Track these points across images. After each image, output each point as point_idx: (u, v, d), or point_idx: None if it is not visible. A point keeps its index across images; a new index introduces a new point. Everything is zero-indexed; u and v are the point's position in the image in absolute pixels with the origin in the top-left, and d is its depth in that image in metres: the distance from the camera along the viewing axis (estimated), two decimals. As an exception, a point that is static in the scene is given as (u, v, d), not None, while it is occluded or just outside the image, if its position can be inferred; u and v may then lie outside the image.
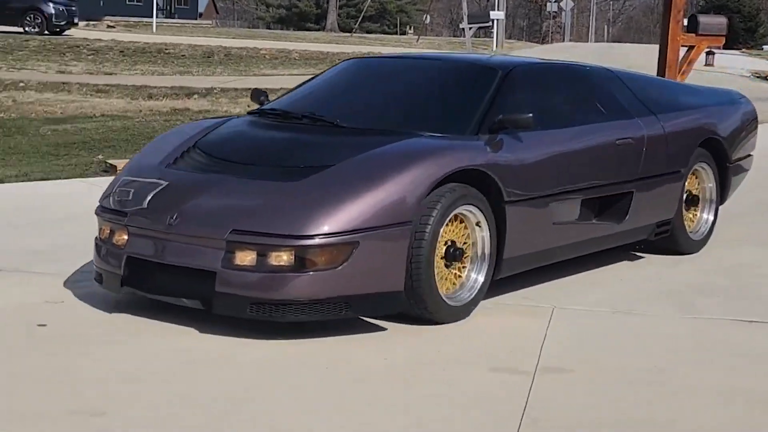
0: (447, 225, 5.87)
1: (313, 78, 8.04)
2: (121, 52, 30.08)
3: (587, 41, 75.14)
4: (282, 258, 5.38)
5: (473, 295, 6.12)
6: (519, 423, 4.67)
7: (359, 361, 5.41)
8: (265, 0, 75.20)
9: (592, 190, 7.04)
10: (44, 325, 5.67)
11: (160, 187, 6.02)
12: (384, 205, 5.52)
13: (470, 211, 6.00)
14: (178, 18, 57.29)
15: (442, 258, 5.91)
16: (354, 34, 51.86)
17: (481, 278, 6.16)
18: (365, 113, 6.94)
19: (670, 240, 7.87)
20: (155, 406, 4.62)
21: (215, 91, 21.45)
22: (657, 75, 14.20)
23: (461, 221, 6.03)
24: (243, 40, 37.13)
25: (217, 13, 76.85)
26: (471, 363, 5.50)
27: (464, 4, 35.55)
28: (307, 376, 5.13)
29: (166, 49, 31.01)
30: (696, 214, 8.21)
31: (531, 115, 6.30)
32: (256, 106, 7.44)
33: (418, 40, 45.63)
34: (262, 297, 5.42)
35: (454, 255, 5.96)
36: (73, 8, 36.77)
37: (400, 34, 61.47)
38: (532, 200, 6.43)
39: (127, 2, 53.33)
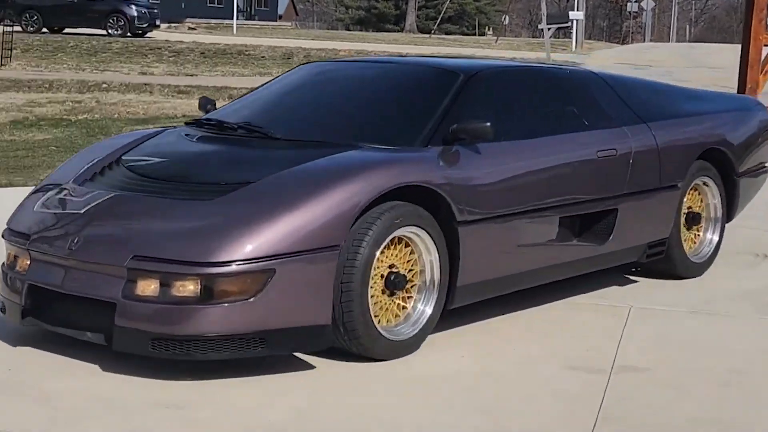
0: (387, 249, 5.16)
1: (265, 83, 7.23)
2: (201, 53, 30.41)
3: (668, 41, 74.31)
4: (187, 288, 4.68)
5: (418, 329, 5.32)
6: (595, 420, 4.68)
7: (436, 360, 5.39)
8: (344, 2, 75.43)
9: (567, 207, 6.17)
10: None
11: (67, 207, 5.44)
12: (305, 227, 4.80)
13: (415, 234, 5.25)
14: (258, 20, 57.70)
15: (381, 287, 5.17)
16: (433, 36, 51.77)
17: (428, 310, 5.36)
18: (307, 123, 6.21)
19: (666, 262, 6.91)
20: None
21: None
22: (739, 75, 14.03)
23: (406, 245, 5.29)
24: (322, 42, 37.33)
25: (297, 14, 77.27)
26: (547, 361, 5.51)
27: (543, 5, 35.37)
28: (382, 375, 5.13)
29: (246, 51, 31.28)
30: (699, 234, 7.20)
31: (489, 123, 5.49)
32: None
33: (497, 41, 45.48)
34: (165, 332, 4.72)
35: (395, 283, 5.19)
36: (155, 11, 37.25)
37: (479, 35, 61.21)
38: (491, 220, 5.62)
39: (208, 4, 53.82)
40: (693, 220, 7.04)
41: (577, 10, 41.37)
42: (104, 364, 4.96)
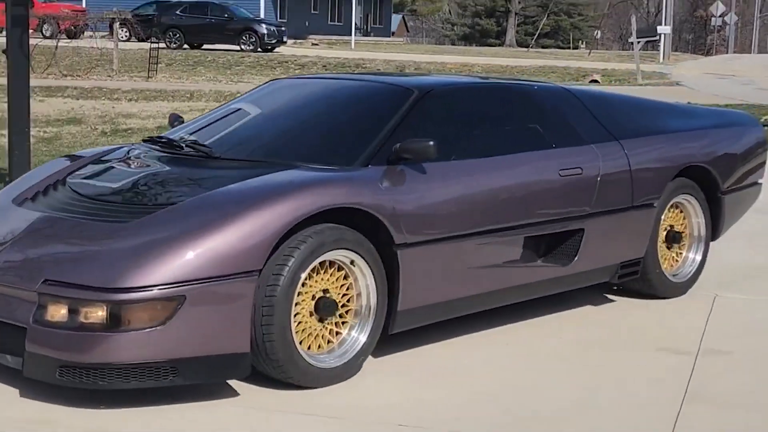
0: (318, 273, 4.52)
1: (233, 100, 6.66)
2: (323, 66, 30.62)
3: (750, 53, 72.71)
4: (93, 314, 4.08)
5: (349, 357, 4.63)
6: (682, 399, 4.63)
7: (532, 342, 5.41)
8: (451, 19, 75.64)
9: (526, 228, 5.38)
10: None
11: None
12: (217, 252, 4.17)
13: (348, 258, 4.58)
14: (373, 36, 57.91)
15: (310, 312, 4.54)
16: (530, 49, 51.53)
17: (362, 338, 4.68)
18: (253, 142, 5.53)
19: (643, 282, 6.09)
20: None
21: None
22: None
23: (340, 269, 4.62)
24: (431, 56, 37.33)
25: (408, 31, 77.38)
26: (637, 344, 5.49)
27: (633, 21, 34.90)
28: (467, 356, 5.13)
29: (363, 64, 31.41)
30: (681, 253, 6.34)
31: (432, 142, 4.76)
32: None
33: (589, 53, 45.05)
34: (72, 360, 4.14)
35: (325, 308, 4.54)
36: (283, 29, 37.72)
37: (573, 49, 60.65)
38: (437, 242, 4.90)
39: (329, 22, 54.16)
40: (674, 238, 6.23)
41: (665, 24, 40.75)
42: (26, 389, 4.37)
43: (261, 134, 5.64)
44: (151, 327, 4.05)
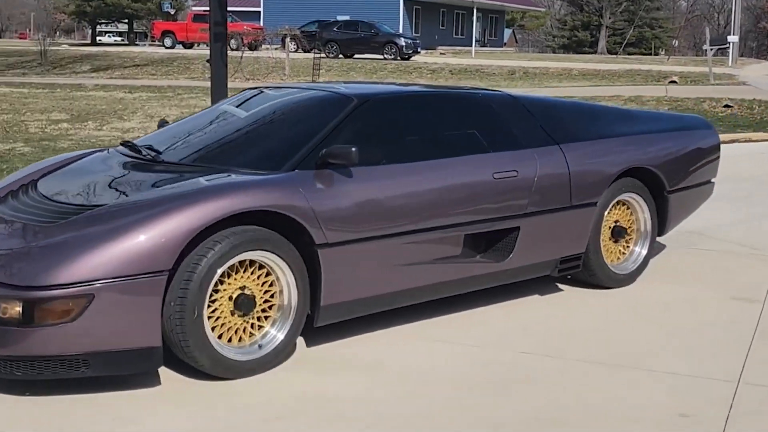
0: (238, 272, 4.03)
1: (210, 107, 6.08)
2: (450, 71, 30.57)
3: (805, 58, 69.59)
4: (11, 310, 3.64)
5: (265, 352, 4.12)
6: (752, 337, 4.61)
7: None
8: (551, 32, 74.64)
9: (457, 227, 4.77)
10: None
11: None
12: (126, 252, 3.69)
13: (267, 258, 4.06)
14: (489, 46, 57.41)
15: (230, 308, 4.03)
16: (618, 56, 50.31)
17: (280, 335, 4.16)
18: (198, 148, 4.91)
19: (587, 274, 5.47)
20: None
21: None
22: None
23: (261, 267, 4.11)
24: (536, 62, 36.83)
25: (516, 42, 76.45)
26: (711, 293, 5.47)
27: (707, 31, 33.87)
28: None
29: (481, 69, 31.24)
30: (628, 247, 5.72)
31: (354, 148, 4.23)
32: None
33: (668, 59, 43.68)
34: None
35: (243, 305, 4.04)
36: (417, 41, 37.71)
37: (654, 55, 59.06)
38: (361, 242, 4.35)
39: (454, 36, 53.93)
40: (620, 233, 5.60)
41: (733, 34, 39.39)
42: None
43: (208, 141, 5.02)
44: (62, 322, 3.62)
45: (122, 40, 64.55)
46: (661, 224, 5.84)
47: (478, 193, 4.83)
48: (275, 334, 4.15)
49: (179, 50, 40.05)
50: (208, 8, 12.69)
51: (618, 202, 5.55)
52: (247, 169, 4.36)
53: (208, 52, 13.13)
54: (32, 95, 20.74)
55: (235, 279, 4.02)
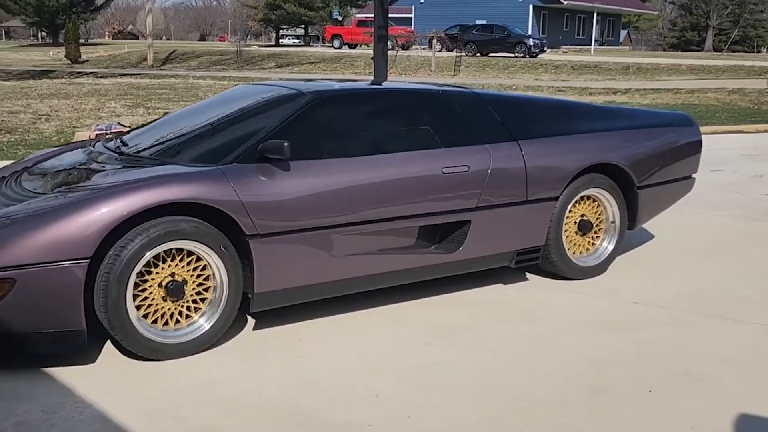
0: (171, 261, 3.58)
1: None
2: (572, 67, 29.82)
3: None
4: None
5: (196, 336, 3.66)
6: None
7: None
8: (663, 33, 71.28)
9: (402, 220, 4.16)
10: None
11: None
12: (48, 239, 3.27)
13: (198, 248, 3.60)
14: (607, 45, 55.44)
15: (163, 294, 3.60)
16: (723, 53, 47.66)
17: (206, 325, 3.69)
18: (161, 142, 4.29)
19: (550, 266, 4.82)
20: None
21: (631, 90, 20.84)
22: None
23: (197, 258, 3.64)
24: (648, 59, 35.37)
25: (631, 41, 73.34)
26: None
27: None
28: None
29: (599, 65, 30.32)
30: (594, 242, 5.00)
31: (286, 143, 3.71)
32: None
33: (770, 56, 41.10)
34: None
35: (174, 291, 3.59)
36: (544, 41, 36.89)
37: (756, 52, 55.66)
38: (294, 233, 3.80)
39: (576, 36, 52.35)
40: (586, 227, 4.89)
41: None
42: None
43: (171, 135, 4.35)
44: None
45: (300, 42, 65.96)
46: (631, 219, 5.11)
47: (424, 186, 4.20)
48: (202, 323, 3.69)
49: (345, 50, 40.67)
50: (370, 15, 12.87)
51: (584, 197, 4.88)
52: (193, 162, 3.85)
53: (369, 52, 13.34)
54: (231, 86, 21.62)
55: (166, 267, 3.59)
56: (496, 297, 4.58)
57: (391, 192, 4.10)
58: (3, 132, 11.83)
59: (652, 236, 6.06)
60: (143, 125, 4.87)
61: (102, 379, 3.39)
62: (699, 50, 58.46)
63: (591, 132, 4.93)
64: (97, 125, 8.12)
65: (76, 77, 27.52)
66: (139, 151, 4.20)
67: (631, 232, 5.99)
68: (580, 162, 4.73)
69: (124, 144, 4.41)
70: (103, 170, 3.95)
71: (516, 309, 4.38)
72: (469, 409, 3.17)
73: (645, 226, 6.19)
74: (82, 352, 3.49)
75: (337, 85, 4.61)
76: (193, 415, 3.09)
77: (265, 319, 4.09)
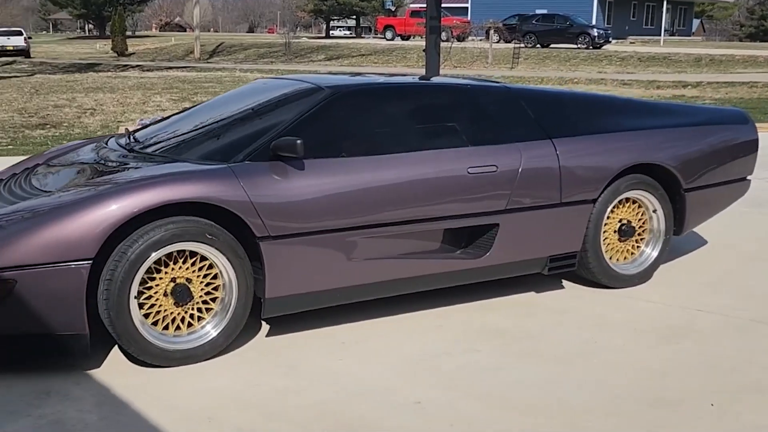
0: (177, 263, 3.52)
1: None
2: (639, 59, 29.33)
3: None
4: None
5: (200, 344, 3.61)
6: None
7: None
8: (740, 21, 69.77)
9: (424, 222, 4.03)
10: None
11: None
12: (49, 240, 3.24)
13: (207, 250, 3.53)
14: (678, 36, 54.40)
15: (172, 299, 3.55)
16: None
17: (213, 332, 3.63)
18: (173, 139, 4.23)
19: (587, 273, 4.64)
20: None
21: (702, 83, 20.42)
22: None
23: (204, 259, 3.58)
24: (722, 50, 34.57)
25: (704, 31, 71.88)
26: None
27: None
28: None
29: (669, 57, 29.75)
30: (638, 247, 4.80)
31: (299, 141, 3.60)
32: None
33: None
34: None
35: (178, 295, 3.53)
36: (609, 31, 36.36)
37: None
38: (309, 235, 3.70)
39: (644, 26, 51.47)
40: (628, 232, 4.69)
41: None
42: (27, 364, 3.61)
43: (184, 132, 4.29)
44: None
45: (351, 34, 66.30)
46: (678, 224, 4.88)
47: (449, 187, 4.06)
48: (209, 330, 3.64)
49: (398, 42, 40.72)
50: (424, 5, 12.87)
51: (626, 200, 4.69)
52: (203, 160, 3.80)
53: (422, 44, 13.35)
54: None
55: (172, 269, 3.54)
56: (544, 302, 4.54)
57: (412, 193, 3.97)
58: (48, 126, 12.17)
59: (712, 240, 5.93)
60: (158, 121, 4.86)
61: (138, 380, 3.45)
62: (777, 40, 57.00)
63: (634, 130, 4.72)
64: (141, 119, 8.32)
65: (122, 70, 28.14)
66: (149, 148, 4.16)
67: (691, 235, 5.88)
68: (621, 162, 4.54)
69: (136, 141, 4.38)
70: (111, 168, 3.93)
71: (566, 315, 4.34)
72: (514, 417, 3.17)
73: (704, 228, 6.07)
74: (86, 356, 3.49)
75: (357, 80, 4.50)
76: (231, 417, 3.14)
77: (307, 322, 4.14)
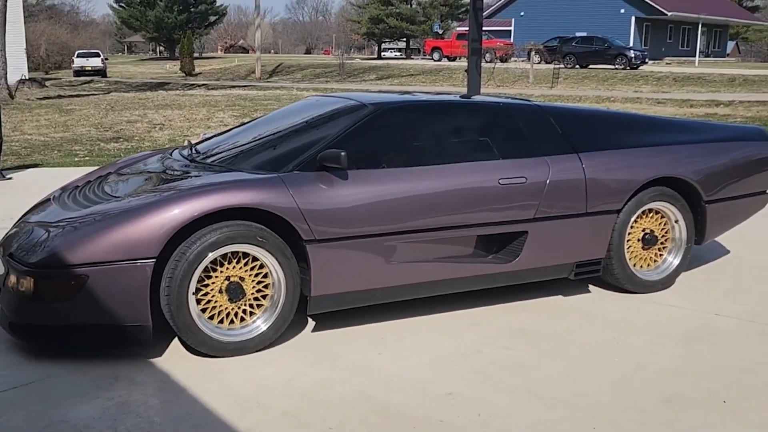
0: (231, 262, 3.66)
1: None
2: (674, 79, 28.90)
3: None
4: (24, 285, 3.48)
5: (252, 336, 3.73)
6: None
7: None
8: (774, 43, 68.13)
9: (460, 229, 4.12)
10: None
11: (38, 211, 4.23)
12: (117, 240, 3.41)
13: (258, 252, 3.66)
14: (713, 57, 53.39)
15: (226, 296, 3.69)
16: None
17: (263, 326, 3.75)
18: (228, 150, 4.39)
19: (611, 278, 4.67)
20: None
21: (734, 102, 20.06)
22: None
23: (256, 260, 3.71)
24: (756, 70, 33.89)
25: (740, 53, 70.36)
26: None
27: None
28: None
29: (703, 77, 29.26)
30: (661, 255, 4.82)
31: (343, 153, 3.73)
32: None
33: None
34: (11, 318, 3.59)
35: (233, 292, 3.67)
36: (645, 53, 35.79)
37: None
38: (353, 239, 3.82)
39: (680, 48, 50.65)
40: (651, 241, 4.73)
41: None
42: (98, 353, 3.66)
43: (240, 144, 4.43)
44: (64, 298, 3.43)
45: (401, 55, 66.57)
46: (699, 234, 4.91)
47: (481, 197, 4.15)
48: (259, 324, 3.76)
49: (445, 63, 40.77)
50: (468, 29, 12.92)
51: (649, 210, 4.72)
52: (256, 170, 3.93)
53: (466, 64, 13.44)
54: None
55: (227, 268, 3.66)
56: (571, 305, 4.57)
57: (447, 202, 4.06)
58: (121, 140, 12.53)
59: (733, 249, 5.88)
60: (218, 134, 5.01)
61: (196, 369, 3.57)
62: (812, 61, 55.53)
63: (657, 145, 4.78)
64: (205, 134, 8.56)
65: (189, 89, 28.71)
66: (208, 159, 4.31)
67: (712, 245, 5.84)
68: (644, 175, 4.59)
69: (197, 152, 4.52)
70: (174, 176, 4.06)
71: (591, 317, 4.36)
72: (539, 410, 3.21)
73: (725, 239, 6.01)
74: (149, 345, 3.64)
75: (398, 98, 4.63)
76: (277, 403, 3.24)
77: (349, 319, 4.23)
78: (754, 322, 4.29)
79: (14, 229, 4.01)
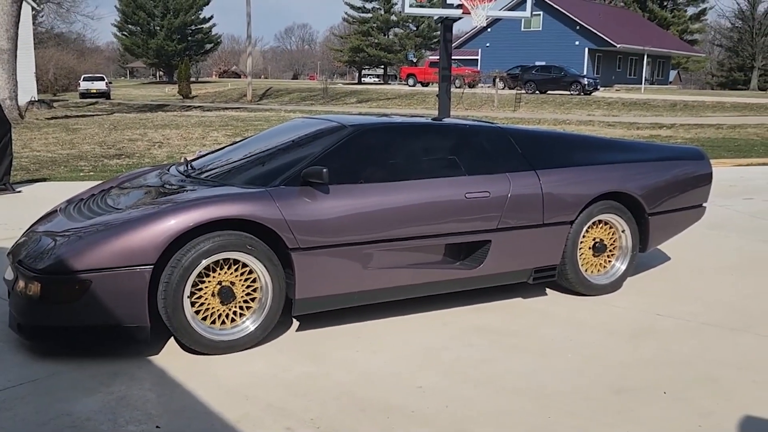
0: (222, 268, 3.66)
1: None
2: (623, 104, 29.27)
3: None
4: (32, 289, 3.46)
5: (239, 336, 3.72)
6: None
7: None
8: (711, 72, 69.13)
9: (429, 238, 4.15)
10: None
11: (43, 222, 4.19)
12: (117, 249, 3.40)
13: (247, 258, 3.67)
14: (657, 84, 54.05)
15: (219, 299, 3.68)
16: (767, 92, 45.94)
17: (252, 326, 3.75)
18: (221, 167, 4.35)
19: (565, 282, 4.72)
20: None
21: (676, 125, 20.33)
22: None
23: (245, 266, 3.71)
24: (694, 96, 34.39)
25: (681, 80, 71.31)
26: None
27: None
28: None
29: (648, 102, 29.65)
30: (609, 261, 4.88)
31: (324, 169, 3.76)
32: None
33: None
34: (19, 320, 3.58)
35: (224, 295, 3.68)
36: (597, 80, 36.18)
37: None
38: (331, 248, 3.84)
39: (627, 76, 51.27)
40: (600, 249, 4.79)
41: None
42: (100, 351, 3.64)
43: (232, 161, 4.41)
44: (69, 300, 3.41)
45: (379, 81, 66.75)
46: (642, 243, 4.98)
47: (449, 209, 4.20)
48: (248, 324, 3.76)
49: (419, 88, 40.91)
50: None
51: (599, 221, 4.78)
52: (246, 185, 3.92)
53: (437, 90, 13.48)
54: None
55: (219, 274, 3.67)
56: (530, 305, 4.60)
57: (419, 213, 4.11)
58: (123, 156, 12.42)
59: (674, 256, 5.95)
60: (212, 152, 5.00)
61: (189, 365, 3.56)
62: (745, 89, 56.53)
63: (606, 163, 4.84)
64: (200, 151, 8.49)
65: (186, 110, 28.55)
66: (203, 174, 4.29)
67: (656, 252, 5.91)
68: (594, 190, 4.66)
69: (192, 168, 4.51)
70: (171, 190, 4.05)
71: (548, 317, 4.38)
72: (503, 400, 3.22)
73: (667, 247, 6.08)
74: (147, 344, 3.66)
75: (375, 120, 4.61)
76: (264, 395, 3.23)
77: (330, 319, 4.22)
78: (693, 321, 4.33)
79: (23, 238, 3.99)
